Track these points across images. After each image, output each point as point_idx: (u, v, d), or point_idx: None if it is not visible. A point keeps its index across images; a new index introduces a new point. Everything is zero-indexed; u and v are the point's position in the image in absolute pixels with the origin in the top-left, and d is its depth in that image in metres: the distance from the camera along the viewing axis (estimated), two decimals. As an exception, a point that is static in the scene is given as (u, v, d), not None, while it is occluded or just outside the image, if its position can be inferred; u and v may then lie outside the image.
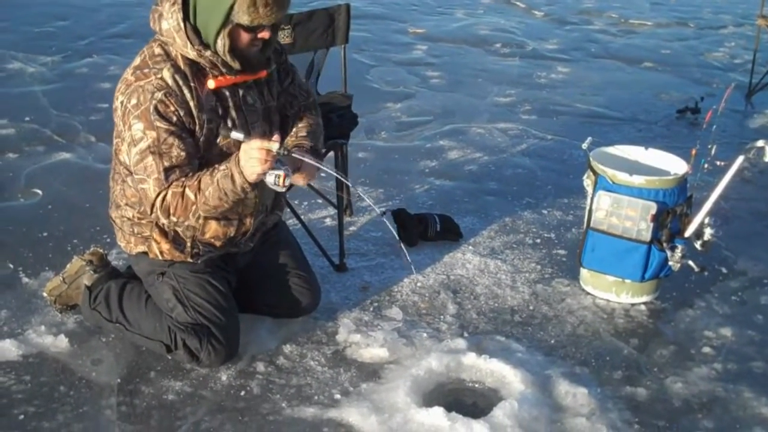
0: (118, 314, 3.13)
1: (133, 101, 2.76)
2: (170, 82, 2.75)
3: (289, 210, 3.93)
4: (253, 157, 2.64)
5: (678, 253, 3.39)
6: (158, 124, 2.73)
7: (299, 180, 2.90)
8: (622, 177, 3.40)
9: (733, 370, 3.16)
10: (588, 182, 3.55)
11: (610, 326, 3.42)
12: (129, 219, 3.06)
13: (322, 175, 4.54)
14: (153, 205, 2.80)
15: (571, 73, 7.58)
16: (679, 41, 9.04)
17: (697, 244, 3.46)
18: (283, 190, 2.76)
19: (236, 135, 2.71)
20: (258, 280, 3.29)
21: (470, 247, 4.05)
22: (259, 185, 2.84)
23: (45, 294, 3.34)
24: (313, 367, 3.07)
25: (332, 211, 4.23)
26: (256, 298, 3.32)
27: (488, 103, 6.61)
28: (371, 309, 3.47)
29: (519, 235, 4.22)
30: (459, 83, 7.16)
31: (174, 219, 2.82)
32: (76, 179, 4.73)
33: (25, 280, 3.59)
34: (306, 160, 2.79)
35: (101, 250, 3.37)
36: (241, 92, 2.94)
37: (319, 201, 4.34)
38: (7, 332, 3.21)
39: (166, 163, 2.75)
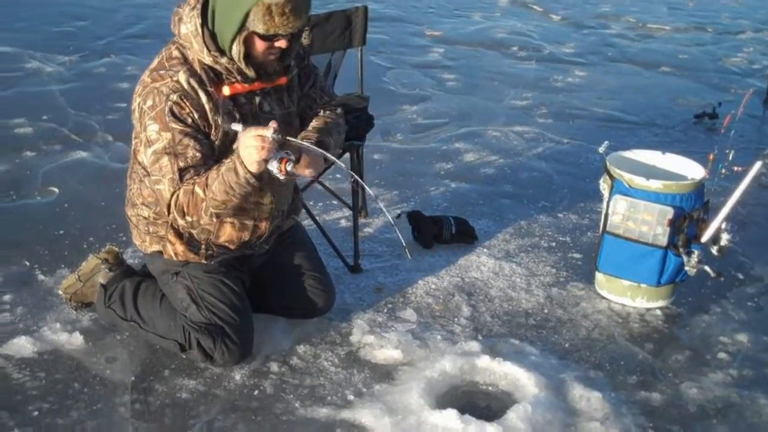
0: (132, 313, 3.14)
1: (149, 102, 2.76)
2: (185, 85, 2.75)
3: (304, 211, 3.93)
4: (249, 146, 2.60)
5: (694, 258, 3.37)
6: (173, 125, 2.73)
7: (304, 171, 2.81)
8: (638, 181, 3.39)
9: (748, 376, 3.14)
10: (604, 186, 3.53)
11: (625, 330, 3.41)
12: (145, 218, 3.07)
13: (338, 175, 4.58)
14: (169, 206, 2.80)
15: (587, 76, 7.57)
16: (697, 46, 9.00)
17: (714, 250, 3.44)
18: (284, 177, 2.67)
19: (235, 126, 2.68)
20: (273, 280, 3.30)
21: (485, 250, 4.04)
22: (272, 190, 2.85)
23: (60, 292, 3.36)
24: (327, 368, 3.07)
25: (347, 212, 4.23)
26: (270, 298, 3.32)
27: (504, 106, 6.60)
28: (385, 310, 3.47)
29: (534, 238, 4.21)
30: (475, 86, 7.15)
31: (189, 219, 2.82)
32: (92, 178, 4.75)
33: (41, 277, 3.61)
34: (304, 145, 2.75)
35: (116, 249, 3.38)
36: (257, 99, 2.92)
37: (335, 202, 4.34)
38: (23, 329, 3.23)
39: (181, 164, 2.75)
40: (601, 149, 3.55)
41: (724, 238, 3.41)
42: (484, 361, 3.05)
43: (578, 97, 6.90)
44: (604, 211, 3.53)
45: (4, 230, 4.09)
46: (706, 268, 3.42)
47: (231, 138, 2.83)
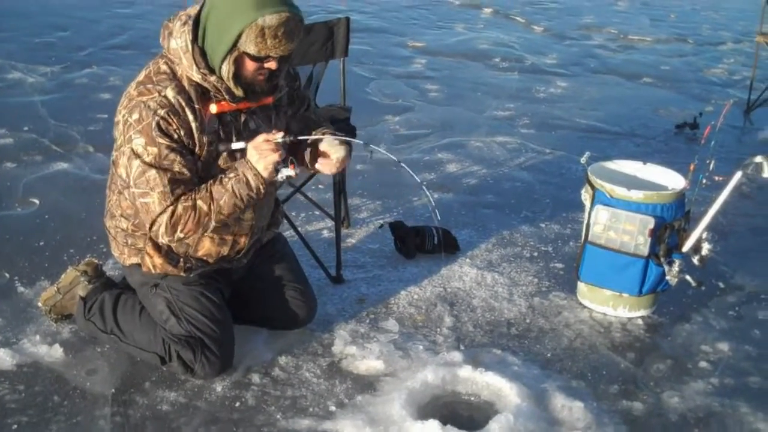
0: (112, 325, 3.12)
1: (135, 116, 2.74)
2: (173, 101, 2.74)
3: (286, 221, 3.92)
4: (263, 149, 2.70)
5: (675, 267, 3.39)
6: (160, 140, 2.72)
7: (326, 168, 2.96)
8: (620, 191, 3.40)
9: (729, 384, 3.14)
10: (586, 196, 3.54)
11: (607, 340, 3.41)
12: (123, 230, 3.06)
13: (320, 186, 4.58)
14: (154, 222, 2.78)
15: (569, 87, 7.61)
16: (679, 57, 9.07)
17: (695, 259, 3.46)
18: (295, 174, 2.82)
19: (236, 145, 2.73)
20: (253, 292, 3.28)
21: (467, 260, 4.04)
22: (253, 206, 2.93)
23: (40, 304, 3.33)
24: (309, 379, 3.06)
25: (330, 222, 4.22)
26: (251, 310, 3.31)
27: (487, 116, 6.63)
28: (367, 321, 3.46)
29: (516, 248, 4.21)
30: (458, 97, 7.17)
31: (180, 235, 2.81)
32: (73, 189, 4.73)
33: (21, 289, 3.58)
34: (318, 137, 2.89)
35: (96, 261, 3.36)
36: (243, 118, 2.91)
37: (317, 213, 4.34)
38: (2, 341, 3.20)
39: (170, 176, 2.74)
40: (582, 159, 3.56)
41: (705, 248, 3.43)
42: (467, 371, 3.04)
43: (560, 107, 6.94)
44: (585, 221, 3.54)
45: (-17, 242, 4.06)
46: (687, 277, 3.44)
47: (215, 156, 2.84)
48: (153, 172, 2.73)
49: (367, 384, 3.04)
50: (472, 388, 3.01)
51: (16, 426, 2.75)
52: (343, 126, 3.83)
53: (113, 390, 2.96)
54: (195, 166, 2.81)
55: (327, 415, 2.87)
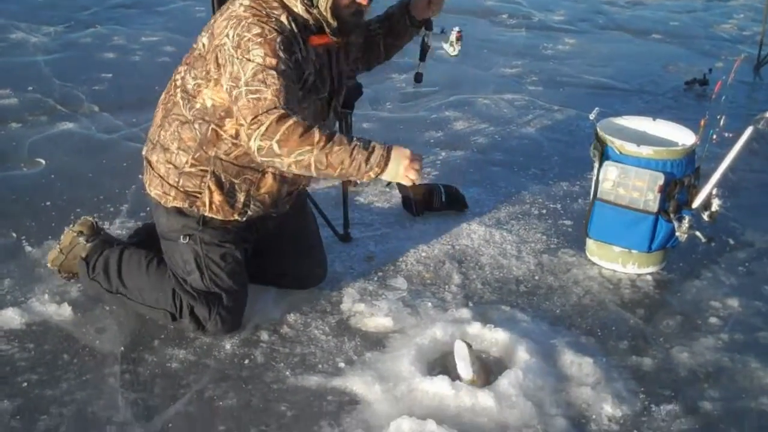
0: (117, 284, 3.10)
1: (256, 30, 2.68)
2: (290, 27, 2.77)
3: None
4: (414, 165, 2.74)
5: (685, 224, 3.36)
6: (281, 54, 2.68)
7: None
8: (629, 148, 3.37)
9: (739, 340, 3.14)
10: (595, 153, 3.51)
11: (616, 296, 3.40)
12: (177, 167, 2.96)
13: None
14: (258, 117, 2.61)
15: (578, 44, 7.52)
16: (688, 13, 8.96)
17: (705, 215, 3.43)
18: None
19: None
20: (274, 247, 3.27)
21: (476, 218, 4.02)
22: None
23: (48, 265, 3.33)
24: (317, 336, 3.06)
25: (336, 181, 4.19)
26: (268, 265, 3.29)
27: (494, 74, 6.56)
28: (376, 279, 3.46)
29: (525, 205, 4.19)
30: (465, 54, 6.99)
31: (275, 145, 2.61)
32: (79, 149, 4.71)
33: (29, 249, 3.58)
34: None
35: (91, 219, 3.33)
36: (333, 53, 2.98)
37: (324, 171, 4.31)
38: (11, 301, 3.20)
39: (286, 83, 2.66)
40: (591, 116, 3.53)
41: (715, 204, 3.40)
42: (475, 328, 3.04)
43: (568, 64, 6.87)
44: (594, 178, 3.51)
45: (-11, 203, 4.06)
46: (697, 233, 3.42)
47: (309, 89, 2.87)
48: (273, 74, 2.64)
49: (376, 341, 3.04)
50: (481, 344, 3.00)
51: (26, 384, 2.76)
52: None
53: (122, 348, 2.97)
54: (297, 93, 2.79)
55: (336, 371, 2.87)
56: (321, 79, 2.94)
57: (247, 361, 2.91)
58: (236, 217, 3.01)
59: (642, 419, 2.69)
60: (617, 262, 3.55)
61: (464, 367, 2.75)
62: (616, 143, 3.40)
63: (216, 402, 2.71)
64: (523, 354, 2.90)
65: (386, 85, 6.07)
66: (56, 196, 4.06)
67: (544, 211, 4.13)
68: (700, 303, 3.38)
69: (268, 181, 3.00)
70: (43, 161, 4.49)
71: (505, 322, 3.12)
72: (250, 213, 3.03)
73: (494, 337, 3.01)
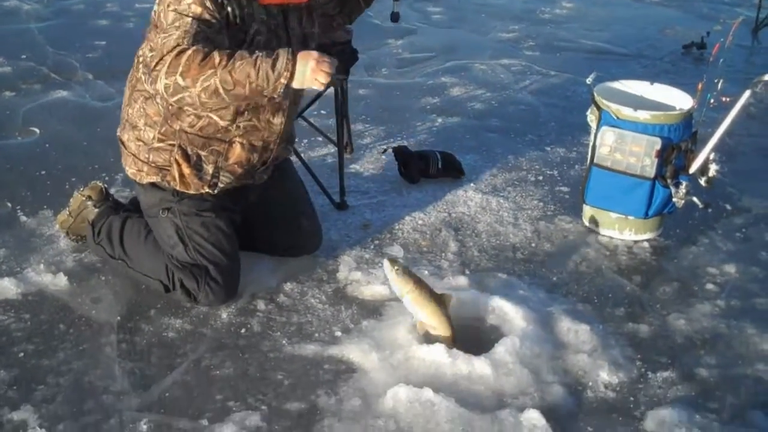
0: (119, 251, 3.11)
1: None
2: None
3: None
4: (321, 64, 2.63)
5: (682, 189, 3.35)
6: (209, 4, 2.66)
7: None
8: (626, 112, 3.35)
9: (736, 306, 3.14)
10: (592, 118, 3.49)
11: (613, 263, 3.40)
12: (146, 143, 2.97)
13: (323, 111, 4.53)
14: (162, 59, 2.61)
15: (575, 8, 7.48)
16: (686, -25, 8.88)
17: (702, 181, 3.42)
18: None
19: None
20: (262, 218, 3.26)
21: (472, 185, 4.01)
22: (286, 112, 2.93)
23: (57, 226, 3.37)
24: (314, 305, 3.05)
25: (332, 148, 4.18)
26: (258, 235, 3.29)
27: (491, 39, 6.53)
28: (372, 247, 3.45)
29: (521, 172, 4.17)
30: (461, 19, 7.05)
31: (180, 79, 2.60)
32: (73, 117, 4.68)
33: (24, 218, 3.56)
34: None
35: (101, 184, 3.34)
36: (286, 14, 2.92)
37: (319, 138, 4.29)
38: (6, 271, 3.19)
39: (199, 28, 2.64)
40: (588, 80, 3.51)
41: (713, 169, 3.38)
42: (472, 296, 3.03)
43: (566, 28, 6.83)
44: (591, 143, 3.50)
45: (-16, 172, 4.04)
46: (694, 199, 3.40)
47: (260, 47, 2.76)
48: (188, 20, 2.64)
49: (373, 309, 3.04)
50: (477, 312, 3.00)
51: (22, 354, 2.76)
52: (345, 49, 3.75)
53: (119, 318, 2.96)
54: (224, 45, 2.72)
55: (333, 340, 2.87)
56: (276, 39, 2.87)
57: (243, 330, 2.91)
58: (207, 189, 3.00)
59: (638, 386, 2.70)
60: (614, 229, 3.55)
61: (394, 282, 2.77)
62: (612, 108, 3.37)
63: (213, 371, 2.71)
64: (519, 321, 2.89)
65: (382, 51, 6.03)
66: (51, 165, 4.04)
67: (541, 178, 4.11)
68: (696, 269, 3.38)
69: (236, 150, 2.98)
70: (38, 130, 4.46)
71: (501, 289, 3.12)
72: (220, 185, 3.02)
73: (491, 305, 3.00)
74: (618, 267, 3.38)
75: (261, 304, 3.05)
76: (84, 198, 3.27)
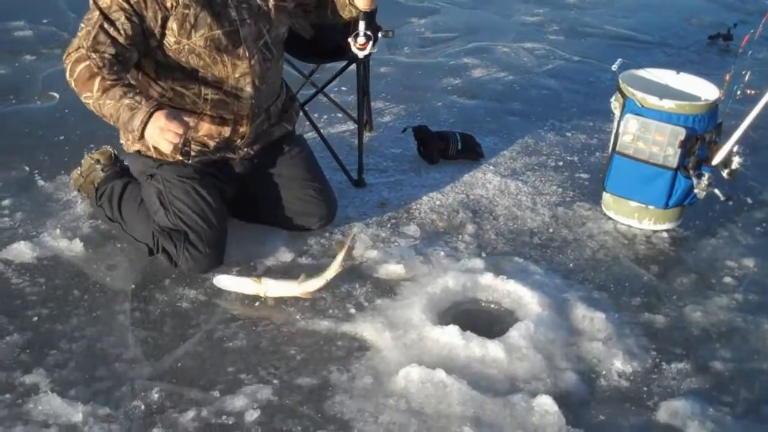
0: (117, 214, 3.15)
1: None
2: None
3: (307, 122, 3.86)
4: (168, 133, 2.65)
5: (705, 180, 3.31)
6: None
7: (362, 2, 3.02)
8: (651, 101, 3.31)
9: (753, 300, 3.10)
10: (616, 105, 3.45)
11: (631, 252, 3.37)
12: None
13: (343, 88, 4.50)
14: (68, 55, 2.75)
15: (600, -7, 7.39)
16: (714, -35, 8.78)
17: (724, 173, 3.37)
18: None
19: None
20: (268, 192, 3.26)
21: (491, 167, 3.98)
22: (259, 89, 2.94)
23: (71, 183, 3.43)
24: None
25: (352, 125, 4.15)
26: (267, 210, 3.28)
27: (515, 21, 6.47)
28: (388, 225, 3.43)
29: (541, 156, 4.14)
30: (485, 1, 6.99)
31: (69, 80, 2.76)
32: (93, 84, 4.65)
33: (41, 183, 3.57)
34: None
35: (111, 150, 3.38)
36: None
37: (339, 115, 4.27)
38: (22, 234, 3.20)
39: (107, 27, 2.71)
40: (614, 67, 3.46)
41: (735, 162, 3.34)
42: (488, 279, 3.02)
43: (590, 14, 6.76)
44: (614, 131, 3.46)
45: (4, 135, 4.04)
46: (716, 191, 3.36)
47: (194, 22, 2.80)
48: (96, 14, 2.73)
49: (387, 288, 3.03)
50: (492, 295, 2.99)
51: (36, 318, 2.76)
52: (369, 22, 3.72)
53: (133, 286, 2.96)
54: (138, 35, 2.78)
55: (346, 317, 2.86)
56: (212, 14, 2.84)
57: (257, 303, 2.90)
58: (179, 158, 3.00)
59: (652, 376, 2.68)
60: (633, 218, 3.52)
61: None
62: (637, 96, 3.33)
63: (225, 343, 2.71)
64: (534, 306, 2.88)
65: (405, 30, 5.99)
66: (69, 131, 4.04)
67: (561, 163, 4.08)
68: (715, 262, 3.35)
69: (205, 124, 3.00)
70: (57, 95, 4.46)
71: (517, 273, 3.10)
72: (193, 154, 3.04)
73: (506, 289, 2.99)
74: (636, 256, 3.35)
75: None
76: (93, 161, 3.33)
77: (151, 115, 2.66)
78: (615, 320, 2.91)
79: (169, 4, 2.77)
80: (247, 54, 2.94)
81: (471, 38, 5.92)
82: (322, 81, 3.86)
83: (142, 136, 2.70)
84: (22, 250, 3.08)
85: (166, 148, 2.69)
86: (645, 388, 2.63)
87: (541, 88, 5.07)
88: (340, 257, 2.92)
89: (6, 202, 3.41)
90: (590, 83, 5.20)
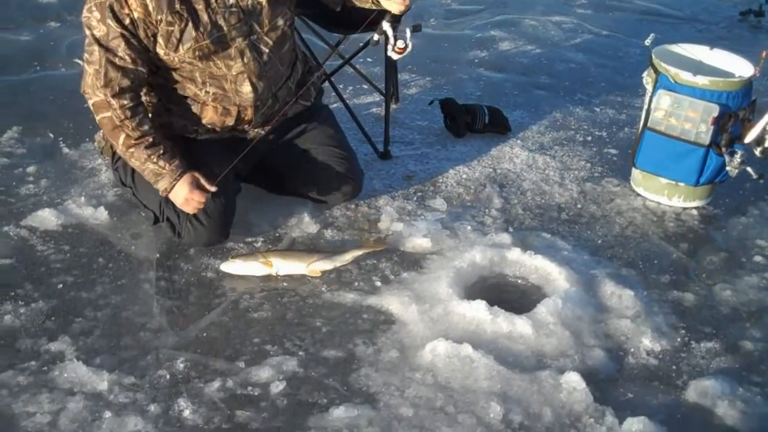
0: (129, 179, 3.11)
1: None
2: None
3: (333, 93, 3.82)
4: (192, 200, 2.80)
5: (737, 158, 3.25)
6: (110, 22, 2.70)
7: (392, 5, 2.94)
8: (685, 77, 3.25)
9: (784, 280, 3.06)
10: (648, 80, 3.39)
11: (660, 229, 3.33)
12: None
13: (368, 59, 4.45)
14: (86, 94, 2.84)
15: (630, -33, 7.28)
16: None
17: (757, 151, 3.31)
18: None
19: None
20: (294, 165, 3.22)
21: (518, 142, 3.93)
22: (263, 78, 2.92)
23: (95, 144, 3.42)
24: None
25: (378, 97, 4.11)
26: (294, 182, 3.26)
27: (542, -6, 6.39)
28: (415, 198, 3.40)
29: (569, 131, 4.09)
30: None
31: (97, 120, 2.86)
32: (118, 51, 4.63)
33: (66, 150, 3.56)
34: None
35: None
36: None
37: (365, 86, 4.22)
38: (47, 201, 3.19)
39: (111, 58, 2.73)
40: (647, 42, 3.40)
41: (769, 140, 3.28)
42: (515, 254, 2.98)
43: (620, -12, 6.66)
44: (646, 107, 3.40)
45: (28, 101, 4.03)
46: (748, 169, 3.30)
47: (179, 38, 2.77)
48: (96, 48, 2.74)
49: (413, 261, 3.00)
50: (520, 270, 2.96)
51: (61, 285, 2.76)
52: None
53: (158, 255, 2.95)
54: (143, 54, 2.78)
55: (372, 290, 2.83)
56: (197, 27, 2.77)
57: (282, 275, 2.88)
58: (191, 136, 3.03)
59: (681, 355, 2.64)
60: (663, 194, 3.47)
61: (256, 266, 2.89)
62: (671, 71, 3.27)
63: (251, 313, 2.69)
64: (562, 282, 2.85)
65: (431, 1, 5.92)
66: (94, 99, 4.01)
67: (589, 138, 4.02)
68: (745, 240, 3.30)
69: (209, 113, 2.99)
70: (81, 62, 4.42)
71: (545, 249, 3.06)
72: (201, 133, 3.04)
73: (534, 264, 2.95)
74: (665, 233, 3.30)
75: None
76: None
77: (173, 185, 2.80)
78: (643, 298, 2.87)
79: (155, 20, 2.74)
80: (239, 55, 2.88)
81: (498, 11, 5.85)
82: (348, 52, 3.81)
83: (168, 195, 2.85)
84: (47, 218, 3.07)
85: (190, 211, 2.86)
86: (674, 367, 2.59)
87: (568, 62, 5.00)
88: (354, 255, 2.93)
89: (31, 169, 3.40)
90: (619, 58, 5.12)
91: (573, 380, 2.44)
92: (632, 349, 2.64)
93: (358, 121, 3.75)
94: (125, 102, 2.77)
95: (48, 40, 4.73)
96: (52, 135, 3.67)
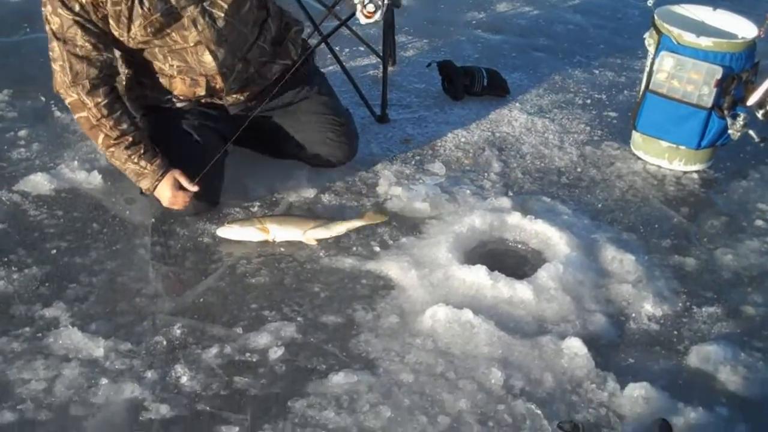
0: None
1: None
2: None
3: (329, 56, 3.76)
4: (177, 199, 2.81)
5: (740, 121, 3.21)
6: (61, 11, 2.64)
7: None
8: (688, 38, 3.20)
9: (786, 244, 3.04)
10: (650, 41, 3.34)
11: (660, 193, 3.29)
12: None
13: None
14: (59, 92, 2.80)
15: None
16: None
17: (759, 114, 3.26)
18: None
19: None
20: (291, 129, 3.16)
21: (517, 104, 3.88)
22: (223, 44, 2.84)
23: None
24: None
25: (374, 59, 4.05)
26: (291, 147, 3.19)
27: (540, -45, 6.29)
28: (413, 162, 3.35)
29: (568, 94, 4.04)
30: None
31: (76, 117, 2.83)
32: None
33: (58, 113, 3.50)
34: None
35: None
36: None
37: (361, 48, 4.16)
38: (39, 166, 3.14)
39: (72, 49, 2.68)
40: (649, 2, 3.35)
41: (772, 102, 3.24)
42: (515, 218, 2.95)
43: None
44: (647, 68, 3.35)
45: (19, 64, 3.96)
46: (751, 132, 3.26)
47: (126, 13, 2.69)
48: (55, 44, 2.70)
49: (412, 226, 2.96)
50: (520, 235, 2.93)
51: (55, 251, 2.72)
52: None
53: (153, 220, 2.91)
54: (102, 38, 2.72)
55: (371, 255, 2.80)
56: (143, 2, 2.69)
57: (279, 241, 2.84)
58: (167, 106, 2.99)
59: (683, 320, 2.62)
60: (663, 158, 3.43)
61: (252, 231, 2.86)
62: (674, 32, 3.22)
63: (248, 279, 2.66)
64: (563, 247, 2.81)
65: (427, -38, 5.82)
66: (86, 61, 3.94)
67: (589, 101, 3.98)
68: (746, 204, 3.27)
69: (178, 84, 2.94)
70: (73, 24, 4.35)
71: (545, 213, 3.03)
72: (176, 103, 2.99)
73: (534, 229, 2.92)
74: (665, 197, 3.27)
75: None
76: None
77: (156, 185, 2.79)
78: (645, 262, 2.84)
79: (101, 1, 2.66)
80: (192, 24, 2.77)
81: (495, -29, 5.77)
82: (345, 14, 3.74)
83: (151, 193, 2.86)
84: (40, 182, 3.03)
85: (177, 209, 2.87)
86: (675, 332, 2.57)
87: (567, 24, 4.94)
88: (353, 225, 2.90)
89: (22, 133, 3.35)
90: (618, 19, 5.06)
91: (574, 346, 2.41)
92: (633, 315, 2.62)
93: (355, 84, 3.69)
94: (99, 99, 2.72)
95: (38, 1, 4.63)
96: (43, 98, 3.61)
